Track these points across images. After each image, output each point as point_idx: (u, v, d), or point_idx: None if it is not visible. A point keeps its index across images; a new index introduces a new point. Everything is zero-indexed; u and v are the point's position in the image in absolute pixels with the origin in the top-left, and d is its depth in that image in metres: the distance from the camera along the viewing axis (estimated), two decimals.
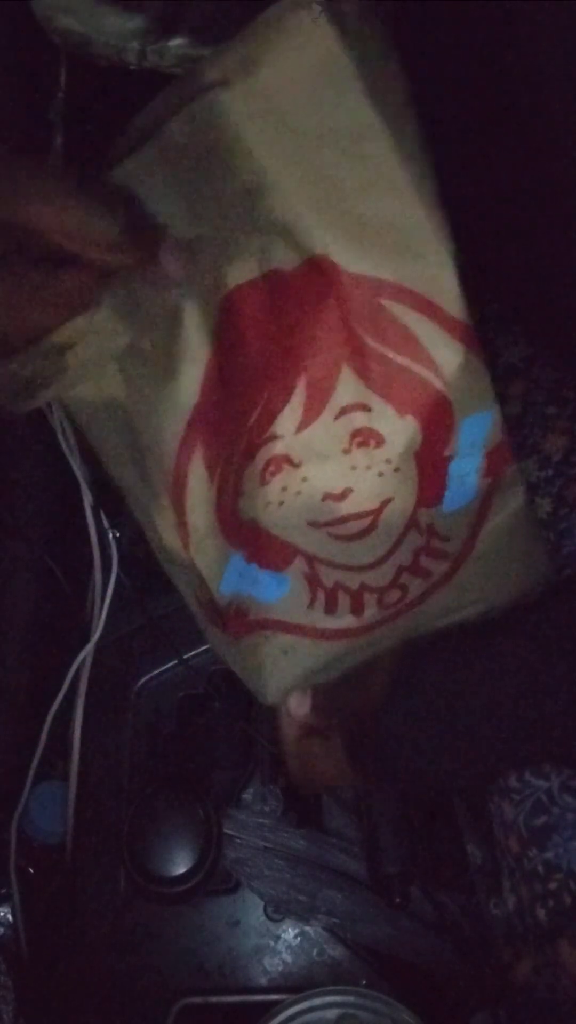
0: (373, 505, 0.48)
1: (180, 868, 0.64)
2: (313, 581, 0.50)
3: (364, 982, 0.65)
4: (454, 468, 0.48)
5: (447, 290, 0.44)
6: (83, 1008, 0.65)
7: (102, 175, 0.42)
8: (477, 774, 0.49)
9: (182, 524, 0.48)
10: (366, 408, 0.45)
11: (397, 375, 0.45)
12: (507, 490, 0.50)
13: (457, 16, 0.51)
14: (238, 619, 0.51)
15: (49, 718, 0.68)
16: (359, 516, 0.48)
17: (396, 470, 0.47)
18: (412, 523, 0.49)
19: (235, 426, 0.45)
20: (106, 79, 0.61)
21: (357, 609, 0.51)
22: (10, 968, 0.60)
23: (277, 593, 0.50)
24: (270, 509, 0.47)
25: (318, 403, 0.45)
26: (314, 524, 0.48)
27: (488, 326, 0.62)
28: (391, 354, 0.44)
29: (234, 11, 0.57)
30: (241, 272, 0.42)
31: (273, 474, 0.46)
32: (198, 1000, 0.64)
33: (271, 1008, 0.60)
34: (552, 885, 0.47)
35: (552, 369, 0.56)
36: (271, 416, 0.45)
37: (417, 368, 0.45)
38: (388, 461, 0.47)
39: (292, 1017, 0.60)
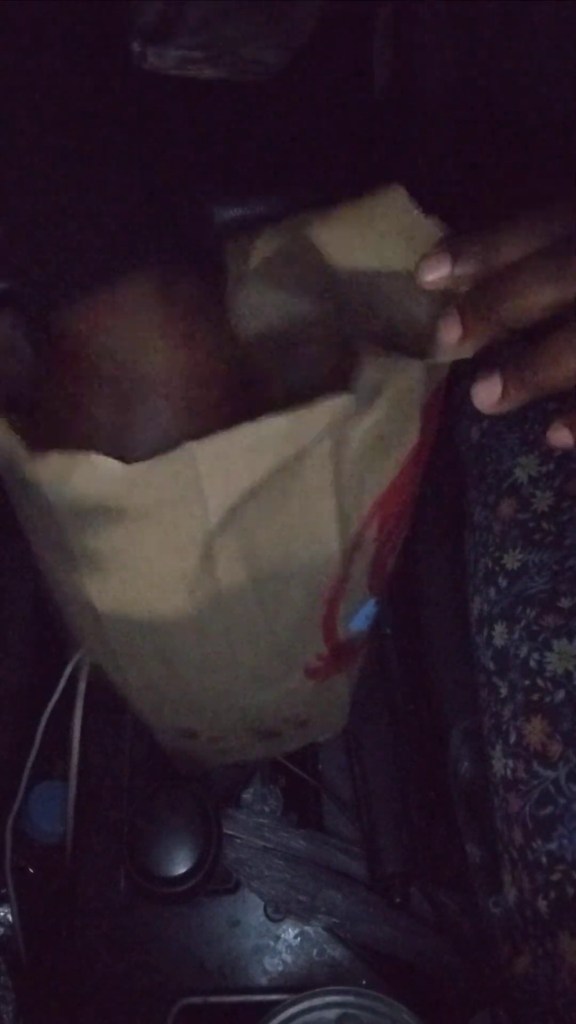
0: None
1: (180, 868, 0.63)
2: None
3: (364, 982, 0.65)
4: None
5: None
6: (83, 1008, 0.65)
7: None
8: None
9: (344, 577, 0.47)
10: None
11: None
12: None
13: (457, 17, 0.51)
14: (349, 654, 0.54)
15: (44, 716, 0.67)
16: None
17: None
18: None
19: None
20: None
21: None
22: (10, 968, 0.59)
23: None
24: None
25: None
26: None
27: None
28: None
29: (233, 12, 0.57)
30: None
31: None
32: (198, 1000, 0.64)
33: (271, 1008, 0.60)
34: (555, 876, 0.47)
35: None
36: None
37: None
38: None
39: (292, 1017, 0.60)
